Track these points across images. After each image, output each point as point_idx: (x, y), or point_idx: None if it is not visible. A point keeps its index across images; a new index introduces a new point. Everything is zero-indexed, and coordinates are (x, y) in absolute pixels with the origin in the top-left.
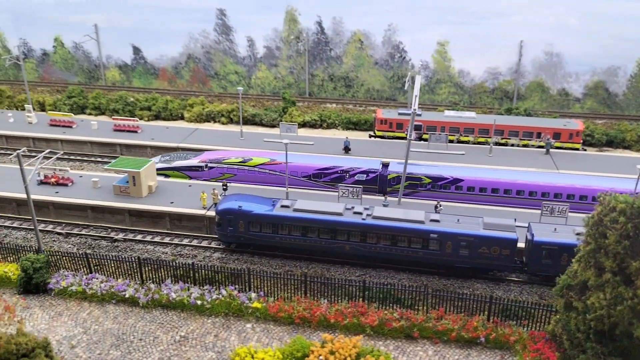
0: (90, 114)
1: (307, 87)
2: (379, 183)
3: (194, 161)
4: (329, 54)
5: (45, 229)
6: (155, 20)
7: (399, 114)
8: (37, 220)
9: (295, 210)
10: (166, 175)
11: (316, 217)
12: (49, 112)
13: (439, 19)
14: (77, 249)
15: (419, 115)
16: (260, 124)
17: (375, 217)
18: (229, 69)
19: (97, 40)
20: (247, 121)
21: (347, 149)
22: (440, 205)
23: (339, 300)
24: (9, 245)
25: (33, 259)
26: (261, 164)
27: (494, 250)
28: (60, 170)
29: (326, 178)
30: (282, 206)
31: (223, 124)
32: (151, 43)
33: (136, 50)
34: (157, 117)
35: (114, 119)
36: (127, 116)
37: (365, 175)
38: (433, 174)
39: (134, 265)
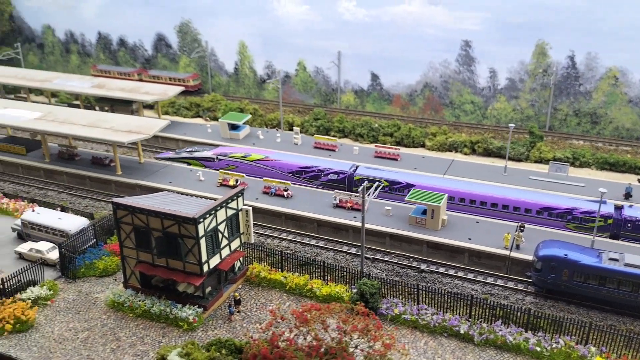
0: (334, 136)
1: (548, 120)
2: (347, 183)
3: (208, 153)
4: (577, 89)
5: (348, 251)
6: (396, 48)
7: None
8: (336, 240)
9: (627, 265)
10: (188, 163)
11: None
12: (315, 135)
13: None
14: (385, 275)
15: None
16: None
17: None
18: (465, 99)
19: (338, 65)
20: (491, 153)
21: (628, 195)
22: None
23: None
24: (341, 267)
25: (369, 284)
26: (257, 160)
27: None
28: (355, 196)
29: (305, 175)
30: (611, 259)
31: (465, 154)
32: (389, 70)
33: (374, 77)
34: (398, 144)
35: (376, 146)
36: (370, 141)
37: (336, 175)
38: (391, 178)
39: (465, 302)
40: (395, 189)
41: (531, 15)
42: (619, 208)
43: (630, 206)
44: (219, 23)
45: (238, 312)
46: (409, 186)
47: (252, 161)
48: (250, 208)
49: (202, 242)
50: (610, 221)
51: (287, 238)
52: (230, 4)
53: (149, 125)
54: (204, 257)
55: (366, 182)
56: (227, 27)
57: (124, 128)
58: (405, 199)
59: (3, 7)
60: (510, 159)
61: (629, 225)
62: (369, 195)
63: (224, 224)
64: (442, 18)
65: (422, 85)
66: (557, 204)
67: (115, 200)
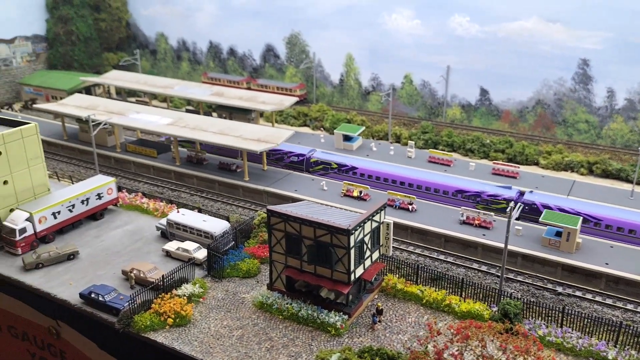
0: (442, 150)
1: None
2: (305, 164)
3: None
4: None
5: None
6: (509, 64)
7: None
8: (464, 257)
9: None
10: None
11: None
12: (430, 150)
13: None
14: (520, 295)
15: None
16: (626, 179)
17: None
18: (579, 117)
19: (446, 79)
20: (609, 174)
21: None
22: None
23: None
24: (479, 284)
25: (513, 304)
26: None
27: None
28: (484, 214)
29: (273, 157)
30: None
31: (582, 174)
32: (500, 86)
33: (483, 92)
34: (510, 161)
35: (495, 163)
36: (480, 157)
37: (297, 158)
38: (339, 161)
39: (610, 327)
40: (342, 171)
41: None
42: (522, 193)
43: (531, 192)
44: (327, 35)
45: (379, 321)
46: (353, 168)
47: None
48: (392, 222)
49: (352, 252)
50: (510, 204)
51: (415, 251)
52: (340, 18)
53: (276, 134)
54: (352, 267)
55: (520, 205)
56: (335, 40)
57: (253, 136)
58: (540, 219)
59: (121, 14)
60: (629, 180)
61: (526, 207)
62: (511, 217)
63: (368, 235)
64: (560, 35)
65: (534, 102)
66: (468, 188)
67: (269, 207)
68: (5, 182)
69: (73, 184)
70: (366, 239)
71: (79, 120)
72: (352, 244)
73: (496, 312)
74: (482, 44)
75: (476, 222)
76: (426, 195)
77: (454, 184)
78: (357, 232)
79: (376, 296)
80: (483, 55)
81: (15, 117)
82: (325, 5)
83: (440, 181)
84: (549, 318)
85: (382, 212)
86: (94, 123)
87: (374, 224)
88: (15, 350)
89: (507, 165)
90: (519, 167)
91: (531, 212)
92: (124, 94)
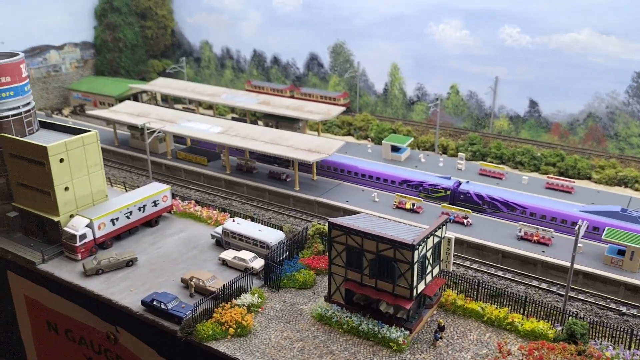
0: (490, 161)
1: None
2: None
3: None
4: None
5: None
6: (560, 76)
7: None
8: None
9: None
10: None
11: None
12: (481, 162)
13: None
14: (583, 314)
15: None
16: None
17: None
18: (632, 131)
19: (494, 91)
20: None
21: None
22: None
23: None
24: (543, 303)
25: (579, 324)
26: None
27: None
28: (543, 230)
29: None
30: None
31: (636, 190)
32: (550, 98)
33: (533, 104)
34: (561, 174)
35: (548, 177)
36: (530, 170)
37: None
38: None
39: None
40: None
41: None
42: (460, 183)
43: (467, 182)
44: (372, 45)
45: (441, 338)
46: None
47: None
48: (453, 237)
49: (415, 267)
50: (448, 192)
51: (472, 267)
52: (387, 28)
53: (327, 145)
54: (415, 282)
55: (585, 222)
56: (380, 49)
57: (303, 146)
58: (602, 237)
59: (167, 22)
60: None
61: (462, 196)
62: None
63: (430, 251)
64: (613, 48)
65: (585, 115)
66: (412, 177)
67: (331, 220)
68: (66, 189)
69: (126, 190)
70: (428, 254)
71: (130, 127)
72: (415, 259)
73: (561, 332)
74: (532, 56)
75: (535, 238)
76: (377, 185)
77: (401, 174)
78: (420, 248)
79: (435, 312)
80: (533, 66)
81: (66, 122)
82: (371, 15)
83: (388, 172)
84: (615, 339)
85: (444, 227)
86: (148, 131)
87: (436, 239)
88: (71, 353)
89: (562, 179)
90: (574, 182)
91: (466, 201)
92: (170, 101)
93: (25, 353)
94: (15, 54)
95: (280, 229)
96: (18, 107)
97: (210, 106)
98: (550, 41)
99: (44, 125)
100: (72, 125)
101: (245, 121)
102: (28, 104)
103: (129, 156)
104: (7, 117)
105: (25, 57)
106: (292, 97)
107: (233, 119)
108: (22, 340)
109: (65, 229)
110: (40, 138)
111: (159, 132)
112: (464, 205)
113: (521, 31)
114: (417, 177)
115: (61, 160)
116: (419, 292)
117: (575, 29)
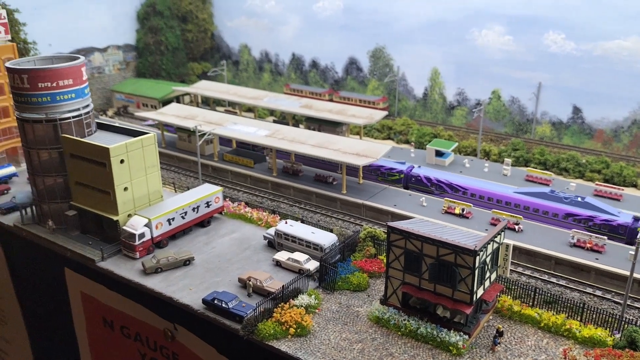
0: (533, 167)
1: None
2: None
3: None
4: None
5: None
6: (604, 83)
7: None
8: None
9: None
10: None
11: None
12: (528, 169)
13: None
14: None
15: None
16: None
17: None
18: None
19: (537, 96)
20: None
21: None
22: None
23: None
24: (601, 310)
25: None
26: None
27: None
28: (596, 237)
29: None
30: None
31: None
32: (594, 104)
33: (576, 110)
34: (606, 182)
35: (597, 184)
36: (575, 176)
37: None
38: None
39: None
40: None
41: None
42: (413, 167)
43: (419, 167)
44: (412, 50)
45: (500, 343)
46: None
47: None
48: (512, 243)
49: (476, 272)
50: (402, 176)
51: (525, 273)
52: (428, 33)
53: (374, 149)
54: (475, 287)
55: None
56: (421, 54)
57: (351, 150)
58: None
59: (207, 26)
60: None
61: (413, 179)
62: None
63: (490, 256)
64: None
65: (630, 121)
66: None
67: (390, 224)
68: (125, 189)
69: (175, 191)
70: (487, 259)
71: (179, 129)
72: (476, 264)
73: (620, 339)
74: (576, 62)
75: (588, 245)
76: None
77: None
78: (481, 253)
79: (491, 317)
80: (577, 73)
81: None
82: (411, 20)
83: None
84: None
85: (503, 234)
86: (199, 133)
87: (495, 245)
88: (125, 349)
89: (611, 187)
90: (623, 190)
91: (417, 183)
92: (212, 103)
93: (77, 348)
94: (76, 57)
95: (331, 231)
96: (78, 109)
97: (249, 109)
98: (595, 47)
99: (101, 126)
100: (128, 127)
101: (287, 124)
102: (87, 105)
103: (176, 157)
104: (68, 118)
105: None
106: (331, 100)
107: (274, 121)
108: (75, 335)
109: (124, 227)
110: (99, 139)
111: (209, 134)
112: (415, 187)
113: (566, 37)
114: (376, 163)
115: (121, 161)
116: (478, 297)
117: (622, 36)
